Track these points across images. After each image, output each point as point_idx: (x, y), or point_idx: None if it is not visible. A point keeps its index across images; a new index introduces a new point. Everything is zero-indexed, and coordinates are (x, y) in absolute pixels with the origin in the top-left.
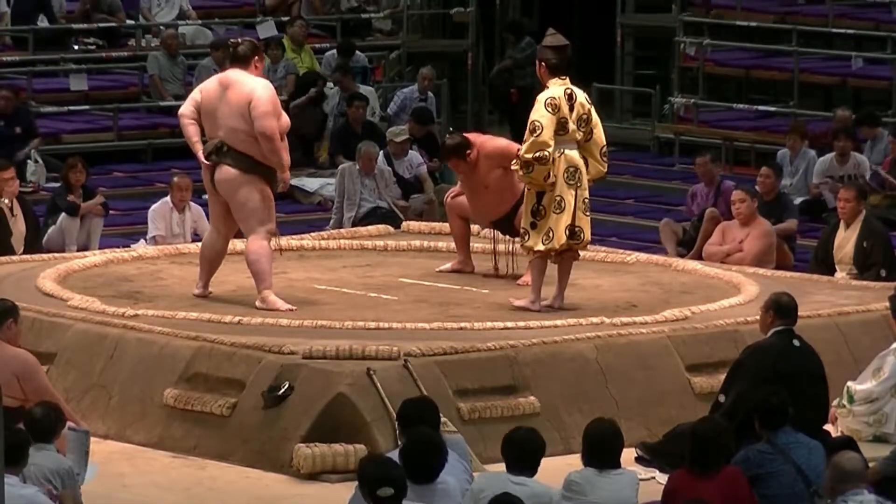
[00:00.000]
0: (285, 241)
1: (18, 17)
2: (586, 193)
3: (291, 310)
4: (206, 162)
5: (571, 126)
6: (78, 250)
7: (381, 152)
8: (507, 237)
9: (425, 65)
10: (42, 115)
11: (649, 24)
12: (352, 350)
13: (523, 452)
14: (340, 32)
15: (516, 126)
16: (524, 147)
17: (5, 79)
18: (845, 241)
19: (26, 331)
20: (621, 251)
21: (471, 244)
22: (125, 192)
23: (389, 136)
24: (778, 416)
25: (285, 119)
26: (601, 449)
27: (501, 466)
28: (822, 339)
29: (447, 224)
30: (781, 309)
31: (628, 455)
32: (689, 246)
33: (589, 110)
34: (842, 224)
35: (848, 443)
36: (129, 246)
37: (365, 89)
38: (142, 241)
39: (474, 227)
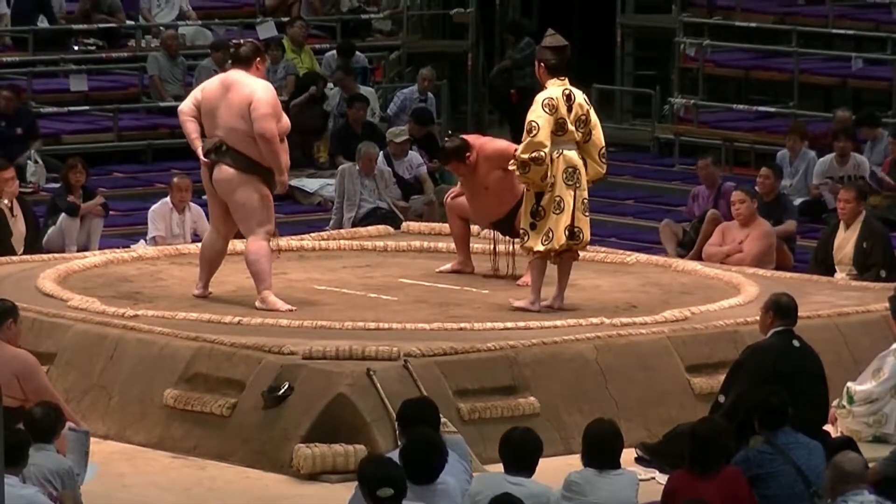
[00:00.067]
0: (285, 241)
1: (18, 18)
2: (585, 194)
3: (291, 310)
4: (204, 159)
5: (570, 127)
6: (78, 251)
7: (381, 153)
8: (507, 238)
9: (425, 65)
10: (42, 115)
11: (649, 25)
12: (352, 350)
13: (520, 453)
14: (340, 33)
15: (516, 127)
16: (521, 147)
17: (5, 79)
18: (845, 241)
19: (26, 331)
20: (621, 252)
21: (471, 245)
22: (125, 192)
23: (389, 136)
24: (778, 416)
25: (285, 121)
26: (601, 449)
27: (501, 467)
28: (821, 340)
29: (447, 225)
30: (781, 309)
31: (628, 455)
32: (688, 247)
33: (588, 111)
34: (842, 225)
35: (848, 443)
36: (128, 246)
37: (365, 90)
38: (142, 241)
39: (474, 228)
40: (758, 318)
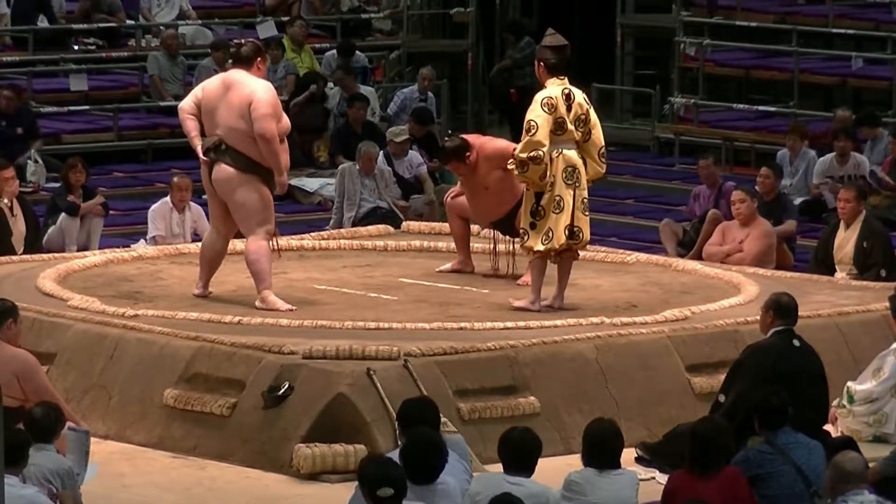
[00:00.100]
0: (285, 241)
1: (18, 18)
2: (585, 193)
3: (291, 310)
4: (203, 158)
5: (569, 126)
6: (78, 250)
7: (381, 152)
8: (507, 237)
9: (425, 65)
10: (42, 115)
11: (649, 25)
12: (352, 350)
13: (519, 453)
14: (340, 32)
15: (516, 126)
16: (519, 146)
17: (5, 79)
18: (845, 241)
19: (26, 331)
20: (621, 251)
21: (471, 244)
22: (125, 192)
23: (389, 136)
24: (778, 416)
25: (285, 122)
26: (601, 449)
27: (501, 467)
28: (822, 340)
29: (447, 224)
30: (781, 309)
31: (628, 455)
32: (688, 247)
33: (587, 111)
34: (842, 224)
35: (848, 443)
36: (128, 246)
37: (365, 89)
38: (142, 241)
39: (474, 228)
40: (758, 317)
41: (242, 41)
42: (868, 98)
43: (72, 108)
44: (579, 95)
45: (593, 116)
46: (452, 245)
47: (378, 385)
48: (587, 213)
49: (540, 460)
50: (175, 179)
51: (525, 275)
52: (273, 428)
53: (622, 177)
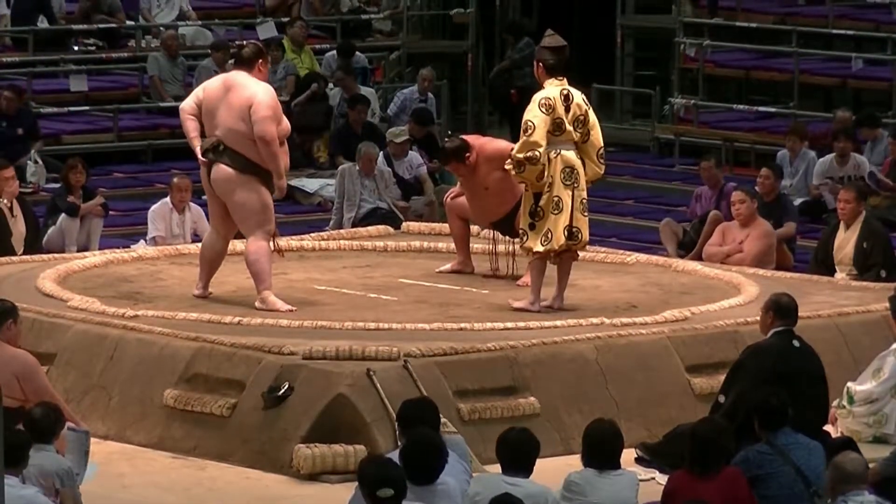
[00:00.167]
0: (285, 241)
1: (18, 18)
2: (584, 194)
3: (291, 310)
4: (202, 159)
5: (567, 127)
6: (78, 251)
7: (381, 153)
8: (507, 238)
9: (425, 66)
10: (42, 115)
11: (649, 25)
12: (352, 351)
13: (517, 453)
14: (340, 33)
15: (516, 127)
16: (516, 146)
17: (5, 79)
18: (845, 241)
19: (26, 331)
20: (621, 252)
21: (470, 245)
22: (125, 192)
23: (389, 136)
24: (778, 416)
25: (285, 124)
26: (601, 449)
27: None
28: (822, 340)
29: (447, 225)
30: (781, 309)
31: (628, 456)
32: (688, 247)
33: (586, 111)
34: (842, 225)
35: (848, 443)
36: (128, 247)
37: (365, 90)
38: (142, 241)
39: (474, 228)
40: (758, 318)
41: (243, 42)
42: (868, 99)
43: (72, 108)
44: (578, 96)
45: (592, 117)
46: (452, 246)
47: (378, 386)
48: (586, 214)
49: (540, 461)
50: (175, 180)
51: (525, 275)
52: (273, 428)
53: (622, 177)
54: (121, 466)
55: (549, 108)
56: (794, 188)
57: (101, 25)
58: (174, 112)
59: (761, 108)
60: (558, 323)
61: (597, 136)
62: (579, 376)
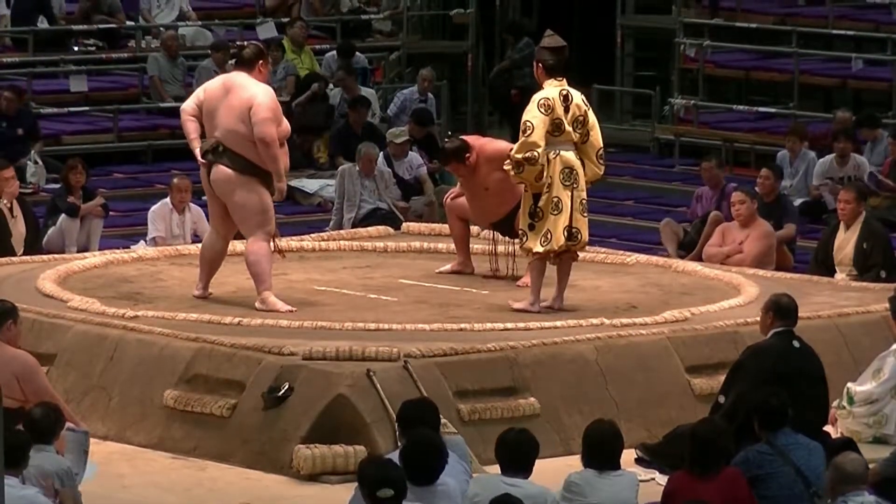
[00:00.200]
0: (285, 242)
1: (18, 18)
2: (583, 194)
3: (291, 311)
4: (201, 160)
5: (567, 127)
6: (78, 251)
7: (381, 153)
8: (507, 238)
9: (425, 66)
10: (42, 116)
11: (649, 26)
12: (352, 351)
13: (516, 454)
14: (340, 33)
15: (516, 127)
16: (515, 147)
17: (5, 80)
18: (845, 242)
19: (26, 332)
20: (621, 252)
21: (470, 245)
22: (125, 193)
23: (389, 137)
24: (777, 417)
25: (285, 125)
26: (601, 450)
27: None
28: (821, 341)
29: (447, 225)
30: (781, 310)
31: (628, 456)
32: (689, 248)
33: (585, 112)
34: (842, 225)
35: (847, 444)
36: (128, 247)
37: (365, 90)
38: (142, 242)
39: (474, 229)
40: (758, 318)
41: (244, 43)
42: (868, 99)
43: (72, 109)
44: (577, 97)
45: (592, 118)
46: (452, 246)
47: (378, 386)
48: (586, 215)
49: (540, 461)
50: (175, 180)
51: (525, 276)
52: (273, 429)
53: (622, 178)
54: (121, 467)
55: (548, 109)
56: (794, 189)
57: (101, 26)
58: (174, 112)
59: (761, 109)
60: (558, 323)
61: (596, 136)
62: (579, 377)
